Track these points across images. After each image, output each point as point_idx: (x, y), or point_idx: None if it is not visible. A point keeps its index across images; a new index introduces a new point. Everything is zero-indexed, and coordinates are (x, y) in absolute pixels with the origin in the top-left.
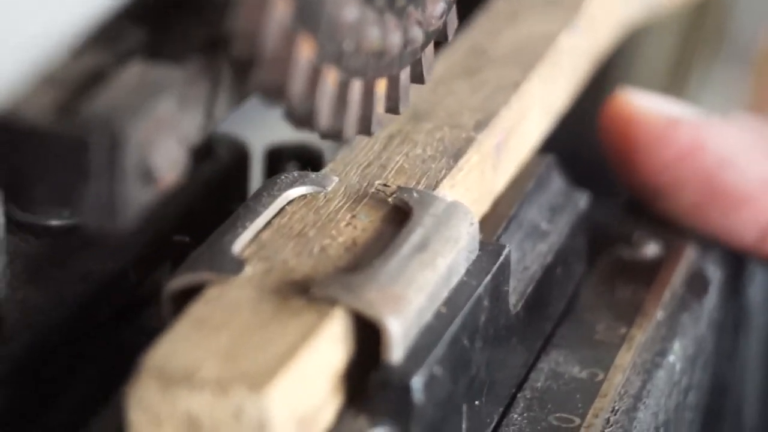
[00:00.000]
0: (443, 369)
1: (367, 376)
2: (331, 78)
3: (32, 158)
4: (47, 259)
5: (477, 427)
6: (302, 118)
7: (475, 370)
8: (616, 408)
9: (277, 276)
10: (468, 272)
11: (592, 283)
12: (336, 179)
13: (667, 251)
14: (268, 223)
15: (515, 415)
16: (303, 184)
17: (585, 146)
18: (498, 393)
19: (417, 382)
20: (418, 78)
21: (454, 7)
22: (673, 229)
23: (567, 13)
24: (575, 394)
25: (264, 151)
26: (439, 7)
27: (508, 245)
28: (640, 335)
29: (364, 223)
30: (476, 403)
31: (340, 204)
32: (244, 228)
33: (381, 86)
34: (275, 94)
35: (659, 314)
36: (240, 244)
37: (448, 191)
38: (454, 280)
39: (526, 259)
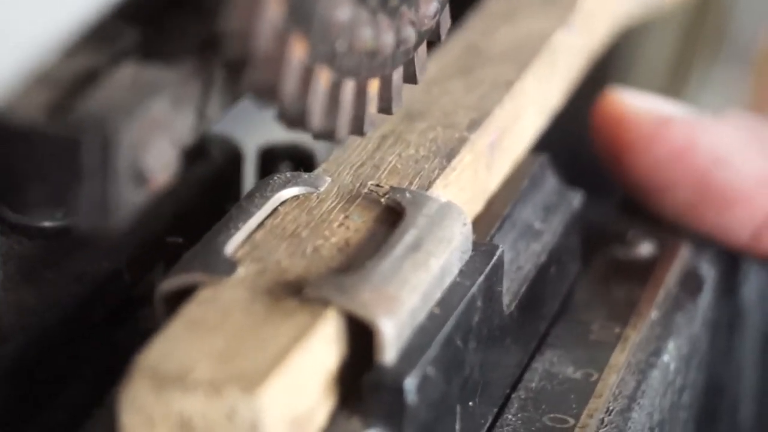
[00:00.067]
0: (436, 370)
1: (360, 377)
2: (323, 78)
3: (24, 159)
4: (41, 260)
5: (471, 428)
6: (295, 119)
7: (468, 370)
8: (611, 408)
9: (270, 277)
10: (461, 272)
11: (586, 283)
12: (329, 180)
13: (661, 250)
14: (261, 224)
15: (509, 416)
16: (296, 184)
17: (579, 145)
18: (492, 393)
19: (410, 383)
20: (410, 78)
21: (447, 7)
22: (668, 228)
23: (562, 11)
24: (570, 395)
25: (257, 152)
26: (432, 7)
27: (501, 245)
28: (635, 335)
29: (357, 224)
30: (470, 403)
31: (332, 204)
32: (237, 229)
33: (374, 86)
34: (268, 94)
35: (654, 314)
36: (233, 244)
37: (441, 191)
38: (448, 281)
39: (520, 258)
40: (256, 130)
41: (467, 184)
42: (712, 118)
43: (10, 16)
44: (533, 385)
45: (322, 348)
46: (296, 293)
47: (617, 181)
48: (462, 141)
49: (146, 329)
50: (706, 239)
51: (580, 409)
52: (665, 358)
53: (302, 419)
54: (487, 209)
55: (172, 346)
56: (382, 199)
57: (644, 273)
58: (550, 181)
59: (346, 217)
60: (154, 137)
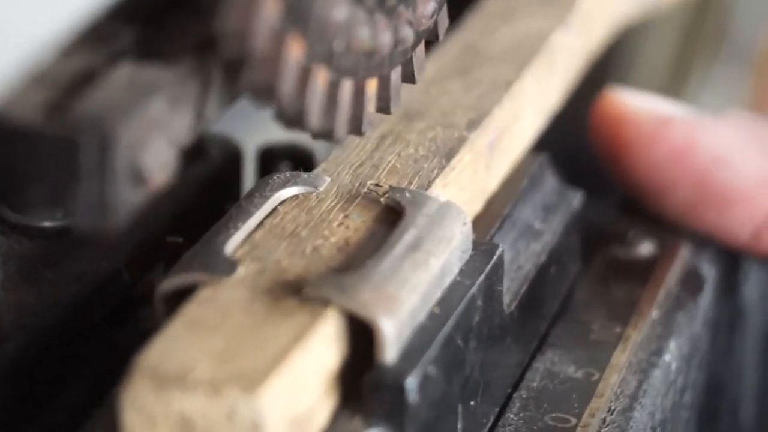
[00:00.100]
0: (437, 369)
1: (361, 376)
2: (321, 78)
3: (22, 159)
4: (41, 260)
5: (473, 428)
6: (293, 118)
7: (469, 370)
8: (613, 408)
9: (270, 276)
10: (461, 272)
11: (587, 283)
12: (328, 179)
13: (661, 250)
14: (261, 224)
15: (511, 415)
16: (295, 184)
17: (579, 145)
18: (493, 393)
19: (411, 383)
20: (409, 78)
21: (445, 7)
22: (668, 228)
23: (560, 11)
24: (571, 394)
25: (256, 151)
26: (430, 7)
27: (501, 245)
28: (636, 334)
29: (357, 223)
30: (471, 403)
31: (332, 204)
32: (237, 228)
33: (372, 86)
34: (265, 94)
35: (654, 313)
36: (232, 244)
37: (440, 191)
38: (448, 280)
39: (520, 258)
40: (255, 129)
41: (466, 184)
42: (712, 118)
43: (7, 16)
44: (535, 384)
45: (323, 348)
46: (296, 293)
47: (617, 181)
48: (461, 141)
49: (146, 329)
50: (706, 239)
51: (581, 409)
52: (667, 357)
53: (302, 419)
54: (487, 209)
55: (172, 346)
56: (382, 199)
57: (644, 273)
58: (550, 181)
59: (346, 216)
60: (152, 137)
